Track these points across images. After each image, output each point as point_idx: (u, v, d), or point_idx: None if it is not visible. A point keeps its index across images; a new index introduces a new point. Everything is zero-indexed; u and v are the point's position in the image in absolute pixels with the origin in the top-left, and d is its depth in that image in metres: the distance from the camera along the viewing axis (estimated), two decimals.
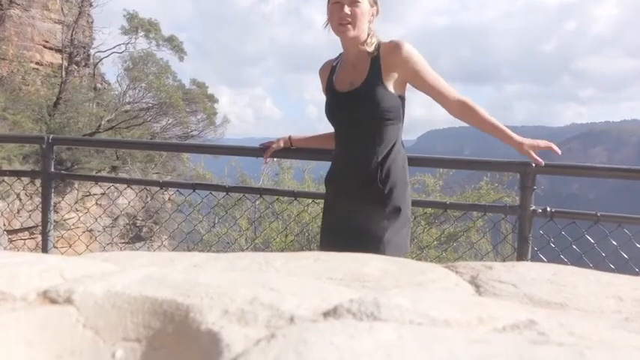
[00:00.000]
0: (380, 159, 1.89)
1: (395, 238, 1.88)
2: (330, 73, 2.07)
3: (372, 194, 1.88)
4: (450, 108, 1.95)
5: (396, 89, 1.91)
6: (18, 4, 14.44)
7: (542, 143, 1.99)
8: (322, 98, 2.13)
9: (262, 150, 2.36)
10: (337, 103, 1.99)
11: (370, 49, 1.91)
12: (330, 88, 2.04)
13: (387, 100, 1.88)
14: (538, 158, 2.01)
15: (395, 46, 1.90)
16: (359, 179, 1.91)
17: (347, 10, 1.89)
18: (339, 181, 2.00)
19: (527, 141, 1.97)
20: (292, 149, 2.35)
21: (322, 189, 2.17)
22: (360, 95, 1.90)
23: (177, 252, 0.98)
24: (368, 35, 1.94)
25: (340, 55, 2.07)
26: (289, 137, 2.33)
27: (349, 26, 1.89)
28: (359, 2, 1.89)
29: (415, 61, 1.89)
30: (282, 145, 2.32)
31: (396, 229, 1.88)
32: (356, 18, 1.89)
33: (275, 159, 2.32)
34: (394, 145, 1.92)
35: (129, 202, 3.24)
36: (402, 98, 1.93)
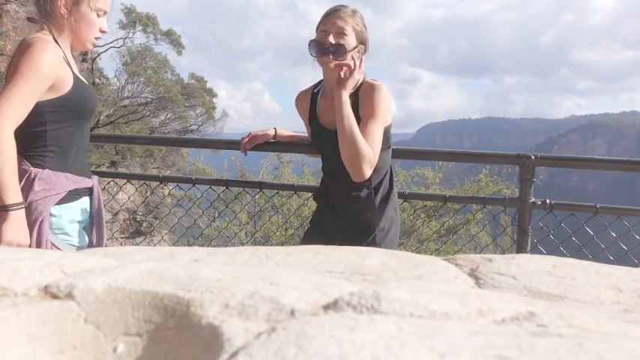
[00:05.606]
0: (373, 189, 1.88)
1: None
2: (311, 101, 2.00)
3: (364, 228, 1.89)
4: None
5: None
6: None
7: None
8: None
9: (247, 138, 2.24)
10: (325, 140, 1.91)
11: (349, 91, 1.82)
12: (314, 120, 1.98)
13: None
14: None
15: (371, 89, 1.81)
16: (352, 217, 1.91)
17: (332, 39, 1.79)
18: (331, 211, 1.98)
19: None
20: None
21: None
22: None
23: (178, 246, 0.98)
24: None
25: (320, 83, 2.00)
26: (275, 130, 2.26)
27: (332, 57, 1.80)
28: (345, 35, 1.79)
29: (374, 105, 1.78)
30: (269, 135, 2.24)
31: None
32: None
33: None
34: (385, 173, 1.92)
35: (129, 197, 3.24)
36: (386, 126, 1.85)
